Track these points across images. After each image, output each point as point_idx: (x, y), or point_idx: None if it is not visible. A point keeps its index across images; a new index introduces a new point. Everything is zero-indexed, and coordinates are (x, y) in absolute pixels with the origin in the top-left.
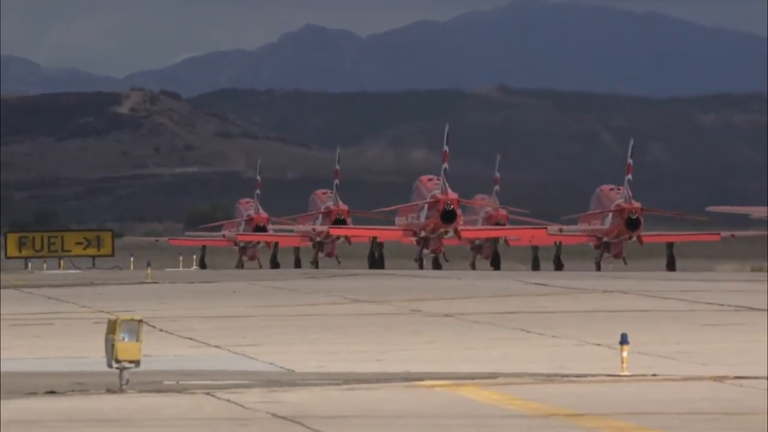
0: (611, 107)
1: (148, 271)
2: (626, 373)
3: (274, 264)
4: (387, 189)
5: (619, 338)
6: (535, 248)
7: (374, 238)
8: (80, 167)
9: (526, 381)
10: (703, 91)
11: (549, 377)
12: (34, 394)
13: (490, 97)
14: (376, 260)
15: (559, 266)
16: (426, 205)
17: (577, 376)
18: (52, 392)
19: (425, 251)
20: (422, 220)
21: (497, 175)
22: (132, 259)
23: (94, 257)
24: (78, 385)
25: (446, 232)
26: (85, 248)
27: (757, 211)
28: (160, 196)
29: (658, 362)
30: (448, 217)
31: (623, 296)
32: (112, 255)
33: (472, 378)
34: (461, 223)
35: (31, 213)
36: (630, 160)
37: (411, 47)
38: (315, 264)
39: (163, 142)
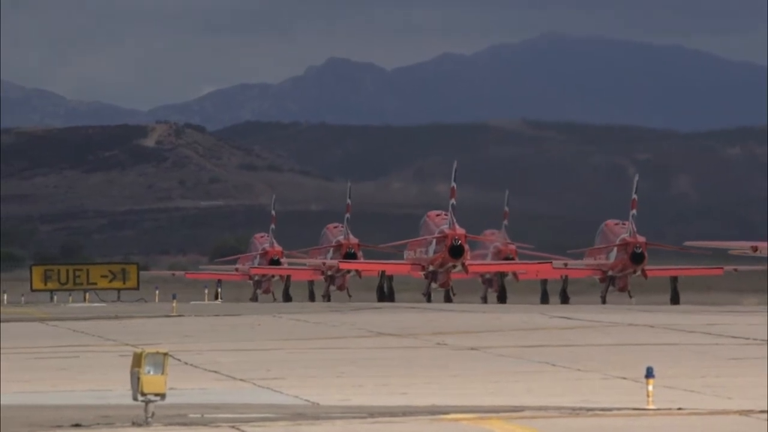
0: (635, 140)
1: (174, 304)
2: (652, 407)
3: (287, 297)
4: (411, 222)
5: (644, 372)
6: (544, 282)
7: (383, 271)
8: (105, 200)
9: (552, 414)
10: (727, 125)
11: (574, 411)
12: (59, 427)
13: (514, 130)
14: (384, 293)
15: (565, 300)
16: (434, 240)
17: (603, 409)
18: (77, 425)
19: (433, 285)
20: (430, 254)
21: (506, 209)
22: (157, 291)
23: (119, 290)
24: (104, 418)
25: (454, 267)
26: (110, 281)
27: (735, 246)
28: (184, 229)
29: (683, 396)
30: (456, 252)
31: (648, 330)
32: (137, 288)
33: (497, 411)
34: (468, 257)
35: (57, 246)
36: (635, 195)
37: (435, 80)
38: (327, 297)
39: (187, 174)
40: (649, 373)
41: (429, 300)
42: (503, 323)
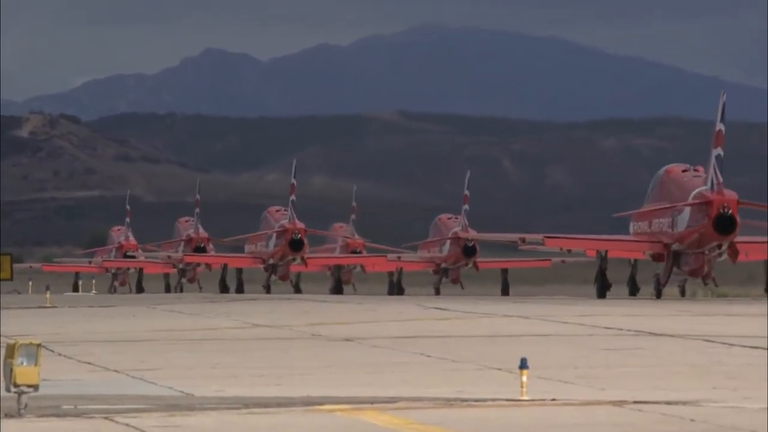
0: (511, 131)
1: (48, 295)
2: (526, 398)
3: (140, 289)
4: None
5: (518, 362)
6: (391, 274)
7: (225, 264)
8: None
9: (427, 405)
10: (603, 116)
11: (449, 401)
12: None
13: (390, 121)
14: (227, 286)
15: (399, 291)
16: (275, 234)
17: (477, 400)
18: None
19: (273, 277)
20: (271, 248)
21: (354, 204)
22: (30, 283)
23: None
24: None
25: (294, 260)
26: None
27: (505, 238)
28: (59, 220)
29: (557, 387)
30: (296, 245)
31: (523, 320)
32: (11, 279)
33: (372, 402)
34: (307, 251)
35: None
36: (467, 192)
37: (312, 71)
38: (179, 288)
39: (62, 165)
40: (523, 364)
41: (268, 291)
42: (378, 314)
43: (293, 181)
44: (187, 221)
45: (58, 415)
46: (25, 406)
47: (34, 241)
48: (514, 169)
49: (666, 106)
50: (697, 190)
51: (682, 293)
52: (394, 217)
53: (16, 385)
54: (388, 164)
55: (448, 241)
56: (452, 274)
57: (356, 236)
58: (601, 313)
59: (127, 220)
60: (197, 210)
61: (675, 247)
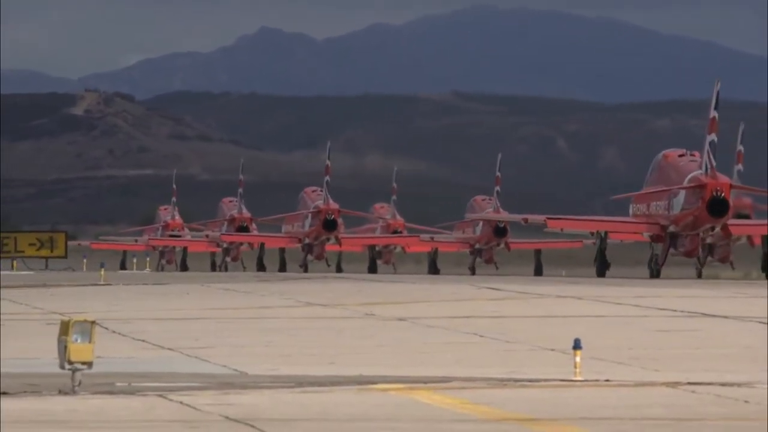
0: (565, 112)
1: (102, 272)
2: (579, 378)
3: (184, 267)
4: (340, 193)
5: (572, 343)
6: (431, 254)
7: (262, 243)
8: (34, 169)
9: (480, 385)
10: (657, 97)
11: (502, 382)
12: None
13: (444, 101)
14: (263, 265)
15: (435, 271)
16: (310, 215)
17: (530, 380)
18: (4, 393)
19: (309, 257)
20: (306, 228)
21: (395, 185)
22: (85, 260)
23: (47, 258)
24: (30, 386)
25: (328, 239)
26: (38, 249)
27: (510, 218)
28: (113, 198)
29: (611, 368)
30: (330, 225)
31: (577, 302)
32: (65, 256)
33: (425, 382)
34: (341, 231)
35: None
36: (498, 173)
37: (366, 51)
38: (224, 267)
39: (117, 143)
40: (577, 345)
41: (306, 270)
42: (432, 293)
43: (328, 162)
44: (231, 201)
45: (111, 393)
46: (79, 383)
47: (88, 219)
48: (567, 149)
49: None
50: (691, 174)
51: (699, 275)
52: (447, 196)
53: (70, 363)
54: (441, 144)
55: (481, 222)
56: (485, 255)
57: (397, 216)
58: (656, 295)
59: (174, 199)
60: (240, 190)
61: (671, 228)
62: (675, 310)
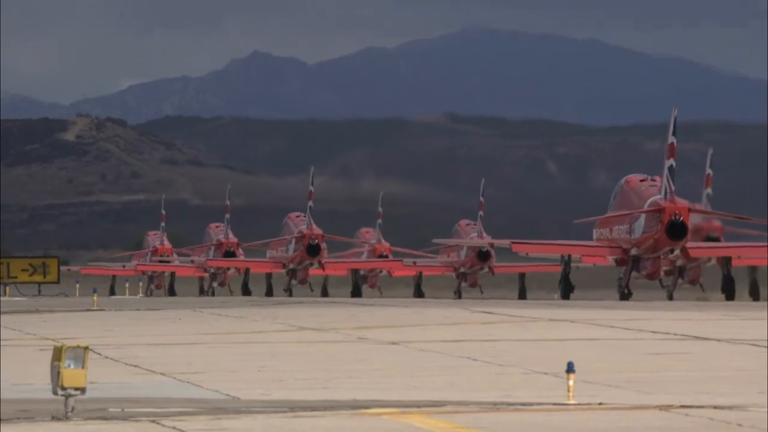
0: (555, 134)
1: (95, 298)
2: (572, 402)
3: (171, 292)
4: (336, 217)
5: (565, 366)
6: (416, 278)
7: (247, 269)
8: (26, 194)
9: (473, 409)
10: (647, 119)
11: (495, 405)
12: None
13: (435, 124)
14: (249, 289)
15: (419, 294)
16: (294, 239)
17: (523, 404)
18: None
19: (294, 281)
20: (290, 253)
21: (380, 209)
22: (78, 285)
23: (39, 284)
24: (23, 412)
25: (311, 264)
26: (31, 275)
27: (478, 243)
28: (105, 223)
29: (604, 391)
30: (313, 250)
31: (570, 325)
32: (58, 282)
33: (419, 406)
34: (325, 256)
35: None
36: (482, 198)
37: (358, 74)
38: (211, 292)
39: (109, 168)
40: (570, 368)
41: (290, 294)
42: (424, 318)
43: (311, 188)
44: (217, 226)
45: (104, 418)
46: (72, 408)
47: (80, 245)
48: (558, 172)
49: (711, 110)
50: (651, 199)
51: (670, 297)
52: (440, 219)
53: (63, 388)
54: (435, 167)
55: (466, 246)
56: (470, 279)
57: (382, 241)
58: (648, 318)
59: (162, 224)
60: (227, 215)
61: (633, 251)
62: (668, 333)
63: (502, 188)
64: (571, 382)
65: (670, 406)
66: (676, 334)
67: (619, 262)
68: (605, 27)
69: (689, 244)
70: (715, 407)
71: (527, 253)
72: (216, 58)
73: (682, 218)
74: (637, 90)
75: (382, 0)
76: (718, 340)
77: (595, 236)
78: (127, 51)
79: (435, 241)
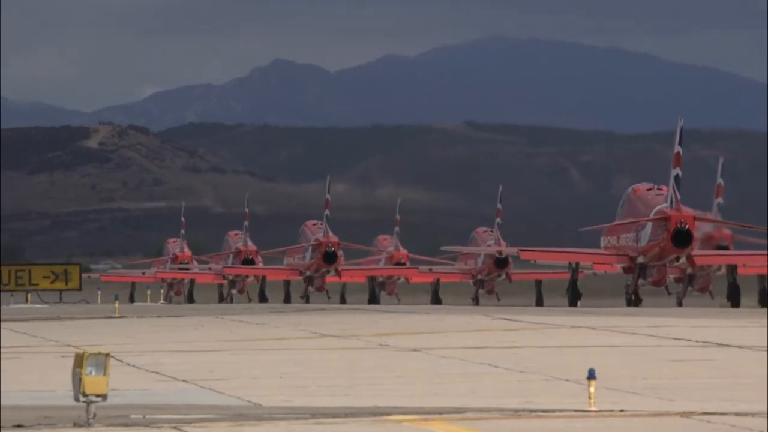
0: (578, 142)
1: (116, 305)
2: (594, 409)
3: (190, 299)
4: (354, 224)
5: (586, 373)
6: (434, 284)
7: (264, 276)
8: (48, 201)
9: (494, 416)
10: (670, 127)
11: (517, 412)
12: (1, 428)
13: (456, 132)
14: (266, 297)
15: (437, 301)
16: (311, 247)
17: (545, 411)
18: (19, 426)
19: (311, 289)
20: (306, 260)
21: (398, 217)
22: (99, 292)
23: (61, 291)
24: (45, 419)
25: (328, 271)
26: (52, 282)
27: (489, 250)
28: (127, 230)
29: (625, 398)
30: (330, 258)
31: (591, 332)
32: (80, 289)
33: (440, 413)
34: (341, 263)
35: None
36: (499, 205)
37: (378, 82)
38: (230, 299)
39: (131, 176)
40: (591, 375)
41: (307, 301)
42: (446, 324)
43: (327, 196)
44: (236, 234)
45: (126, 425)
46: (94, 415)
47: (102, 252)
48: (580, 179)
49: (734, 117)
50: (657, 208)
51: (679, 304)
52: (459, 227)
53: (84, 395)
54: (455, 175)
55: (482, 254)
56: (487, 285)
57: (400, 248)
58: (670, 324)
59: (182, 231)
60: (246, 223)
61: (640, 259)
62: (689, 340)
63: (523, 196)
64: (592, 389)
65: (692, 413)
66: (698, 341)
67: (626, 270)
68: (626, 34)
69: (695, 252)
70: (737, 414)
71: (534, 261)
72: (238, 66)
73: (687, 227)
74: (659, 97)
75: (402, 9)
76: (740, 347)
77: (602, 244)
78: (148, 59)
79: (444, 248)
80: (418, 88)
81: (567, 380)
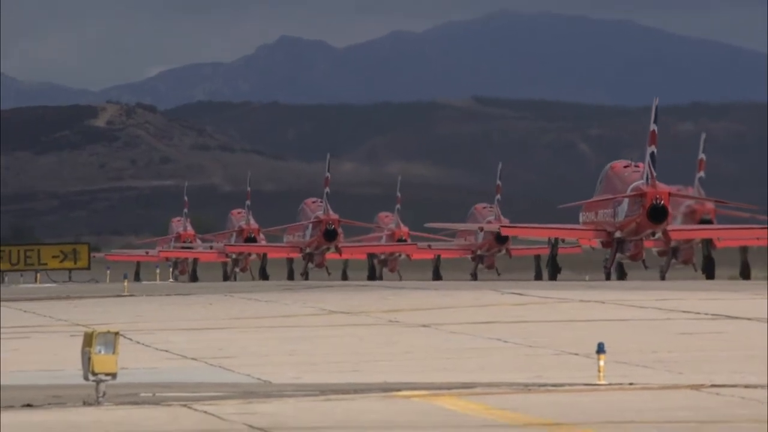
0: (586, 117)
1: (125, 283)
2: (603, 382)
3: (193, 278)
4: (362, 201)
5: (595, 347)
6: (435, 260)
7: (265, 254)
8: (56, 181)
9: (504, 390)
10: (678, 100)
11: (526, 387)
12: (11, 407)
13: (464, 108)
14: (267, 274)
15: (438, 277)
16: (311, 225)
17: (554, 385)
18: (28, 405)
19: (310, 265)
20: (307, 238)
21: (399, 195)
22: (108, 272)
23: (70, 270)
24: (55, 398)
25: (328, 249)
26: (61, 261)
27: (466, 227)
28: (137, 209)
29: (635, 371)
30: (330, 235)
31: (600, 306)
32: (89, 268)
33: (449, 388)
34: (341, 241)
35: (8, 227)
36: (499, 182)
37: (386, 58)
38: (233, 277)
39: (139, 154)
40: (600, 349)
41: (307, 278)
42: (455, 300)
43: (327, 174)
44: (239, 212)
45: (136, 403)
46: (104, 394)
47: (111, 230)
48: (590, 154)
49: (742, 90)
50: (634, 184)
51: (662, 277)
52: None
53: (94, 374)
54: (462, 151)
55: (482, 230)
56: (487, 261)
57: (401, 225)
58: (679, 297)
59: (185, 210)
60: (248, 202)
61: (617, 234)
62: (698, 313)
63: (531, 171)
64: (601, 363)
65: (701, 386)
66: (707, 314)
67: (605, 244)
68: (635, 7)
69: (670, 227)
70: (746, 386)
71: (516, 236)
72: (245, 44)
73: (662, 202)
74: (667, 71)
75: None
76: (749, 319)
77: (581, 219)
78: (156, 37)
79: (427, 225)
80: (425, 64)
81: (576, 354)
